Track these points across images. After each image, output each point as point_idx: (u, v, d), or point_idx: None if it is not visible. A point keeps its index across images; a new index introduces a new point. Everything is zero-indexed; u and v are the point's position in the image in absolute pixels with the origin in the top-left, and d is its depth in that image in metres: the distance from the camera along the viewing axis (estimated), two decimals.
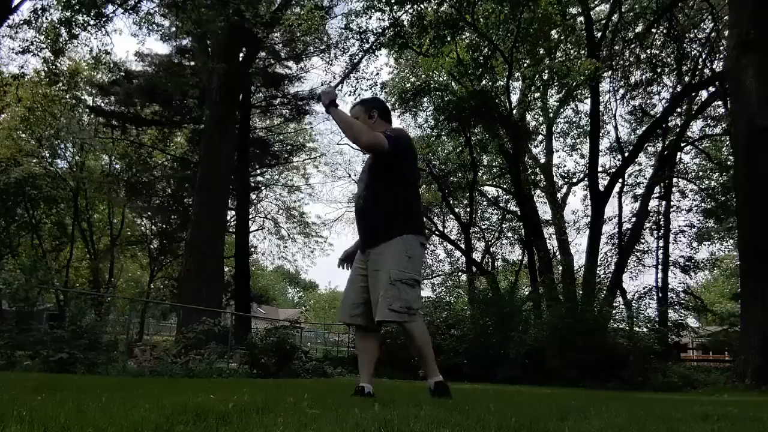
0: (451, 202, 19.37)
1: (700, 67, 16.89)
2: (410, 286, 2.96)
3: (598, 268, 16.74)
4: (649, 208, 18.30)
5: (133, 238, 26.33)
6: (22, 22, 12.80)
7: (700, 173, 21.04)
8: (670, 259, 19.44)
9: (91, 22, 12.22)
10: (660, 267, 19.31)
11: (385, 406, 2.24)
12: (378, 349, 3.24)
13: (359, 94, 15.77)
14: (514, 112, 17.73)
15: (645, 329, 12.18)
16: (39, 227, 23.18)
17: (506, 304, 11.81)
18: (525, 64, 16.78)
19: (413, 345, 3.08)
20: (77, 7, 11.66)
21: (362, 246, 3.21)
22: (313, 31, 15.39)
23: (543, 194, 21.37)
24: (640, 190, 18.80)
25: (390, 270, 2.94)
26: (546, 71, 16.37)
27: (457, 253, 21.67)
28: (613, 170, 17.83)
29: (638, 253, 19.57)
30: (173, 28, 17.12)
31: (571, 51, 17.11)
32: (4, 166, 21.09)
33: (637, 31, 16.89)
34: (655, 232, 19.54)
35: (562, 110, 20.57)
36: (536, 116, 21.35)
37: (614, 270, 16.82)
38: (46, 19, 12.50)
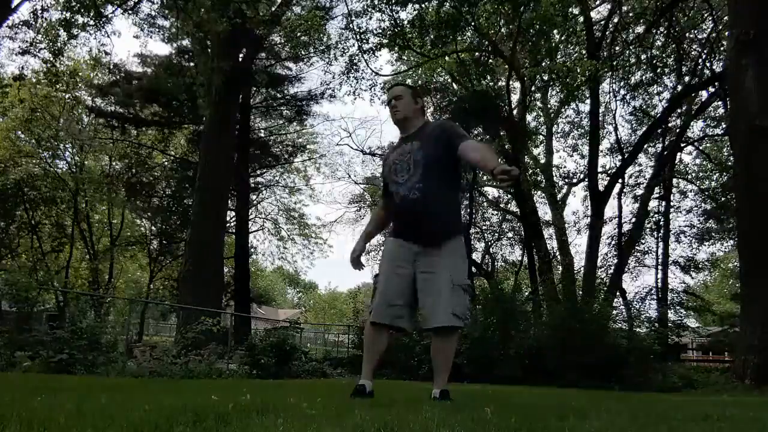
0: None
1: (700, 67, 16.90)
2: (466, 291, 2.88)
3: (598, 269, 16.74)
4: (648, 209, 18.31)
5: (133, 239, 26.30)
6: (21, 23, 12.83)
7: (701, 174, 21.05)
8: (670, 259, 19.46)
9: (91, 23, 12.22)
10: (660, 267, 19.32)
11: (384, 406, 2.24)
12: (386, 350, 3.09)
13: (359, 94, 15.78)
14: (515, 112, 17.73)
15: (645, 329, 12.18)
16: (38, 228, 23.16)
17: (508, 304, 11.79)
18: (525, 65, 16.79)
19: (448, 352, 2.96)
20: (77, 7, 11.66)
21: (413, 242, 2.94)
22: (313, 32, 15.39)
23: (543, 195, 21.37)
24: (640, 191, 18.82)
25: (452, 274, 2.82)
26: (546, 72, 16.39)
27: None
28: (613, 171, 17.85)
29: (638, 254, 19.57)
30: (173, 29, 17.16)
31: (572, 52, 17.12)
32: (3, 167, 21.09)
33: (637, 31, 16.91)
34: (655, 232, 19.54)
35: (563, 111, 20.58)
36: (537, 117, 21.36)
37: (614, 270, 16.82)
38: (45, 19, 12.53)
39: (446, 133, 3.00)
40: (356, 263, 3.25)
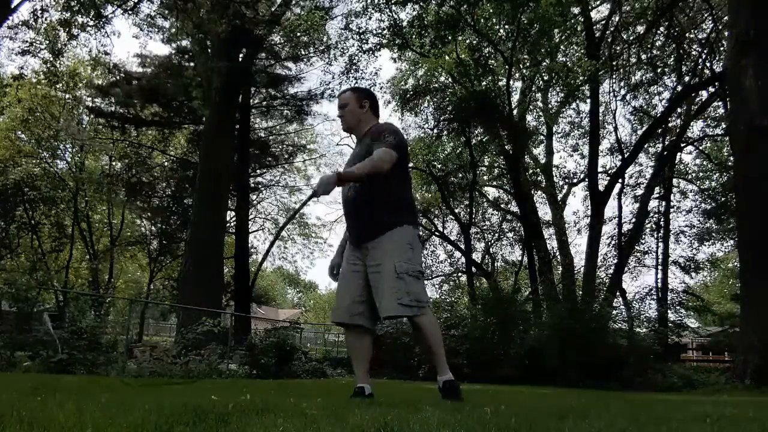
0: (450, 202, 19.38)
1: (700, 67, 16.89)
2: (416, 278, 2.87)
3: (598, 269, 16.73)
4: (648, 209, 18.30)
5: (133, 239, 26.31)
6: (21, 23, 12.84)
7: (701, 174, 21.06)
8: (670, 259, 19.46)
9: (91, 23, 12.23)
10: (660, 267, 19.32)
11: (384, 406, 2.24)
12: (372, 348, 3.11)
13: None
14: (515, 112, 17.73)
15: (645, 329, 12.18)
16: (38, 228, 23.17)
17: (508, 304, 11.79)
18: (525, 65, 16.79)
19: (424, 339, 2.98)
20: (77, 8, 11.67)
21: (356, 241, 3.05)
22: (313, 32, 15.41)
23: (543, 195, 21.37)
24: (640, 191, 18.81)
25: (395, 263, 2.81)
26: (546, 72, 16.38)
27: (457, 254, 21.68)
28: (613, 171, 17.84)
29: (638, 254, 19.57)
30: (173, 30, 17.16)
31: (572, 52, 17.12)
32: (3, 167, 21.09)
33: (637, 31, 16.91)
34: (655, 232, 19.55)
35: (563, 110, 20.58)
36: (537, 117, 21.36)
37: (614, 270, 16.83)
38: (45, 20, 12.53)
39: (375, 134, 3.03)
40: (335, 277, 3.26)
